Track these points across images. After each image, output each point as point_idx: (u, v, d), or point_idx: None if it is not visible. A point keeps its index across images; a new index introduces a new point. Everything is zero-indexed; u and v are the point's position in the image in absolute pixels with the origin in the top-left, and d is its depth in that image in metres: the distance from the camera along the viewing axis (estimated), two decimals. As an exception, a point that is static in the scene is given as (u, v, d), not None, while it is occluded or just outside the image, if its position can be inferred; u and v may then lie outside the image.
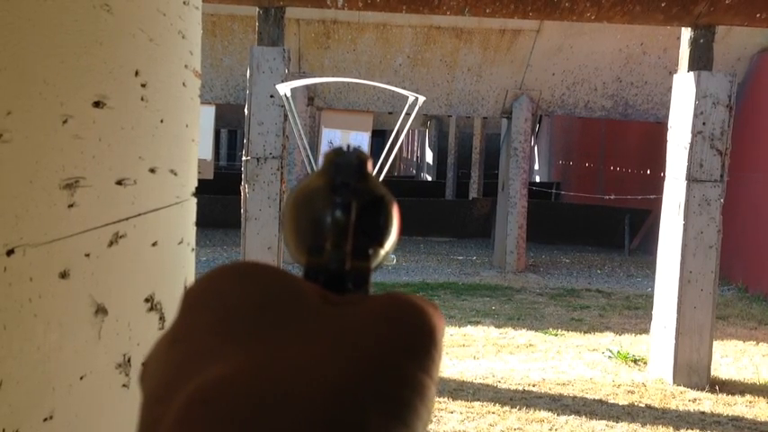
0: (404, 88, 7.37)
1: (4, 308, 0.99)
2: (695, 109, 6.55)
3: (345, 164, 0.37)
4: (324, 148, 8.00)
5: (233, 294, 0.32)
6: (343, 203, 0.36)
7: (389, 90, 7.45)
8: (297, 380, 0.27)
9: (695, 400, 6.35)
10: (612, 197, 15.19)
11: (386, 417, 0.27)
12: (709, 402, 6.29)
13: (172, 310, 1.93)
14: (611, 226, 14.70)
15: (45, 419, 1.11)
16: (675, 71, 7.01)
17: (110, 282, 1.40)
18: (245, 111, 5.99)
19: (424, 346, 0.31)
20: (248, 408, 0.26)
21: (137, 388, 1.24)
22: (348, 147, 0.38)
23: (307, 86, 9.90)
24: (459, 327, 8.47)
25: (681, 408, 6.16)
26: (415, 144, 32.03)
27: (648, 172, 14.26)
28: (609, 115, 12.11)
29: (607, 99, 11.73)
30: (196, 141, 2.17)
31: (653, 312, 7.04)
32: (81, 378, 1.26)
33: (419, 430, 0.28)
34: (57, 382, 1.16)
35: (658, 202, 7.39)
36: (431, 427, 5.54)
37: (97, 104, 1.31)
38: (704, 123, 6.57)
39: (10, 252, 0.99)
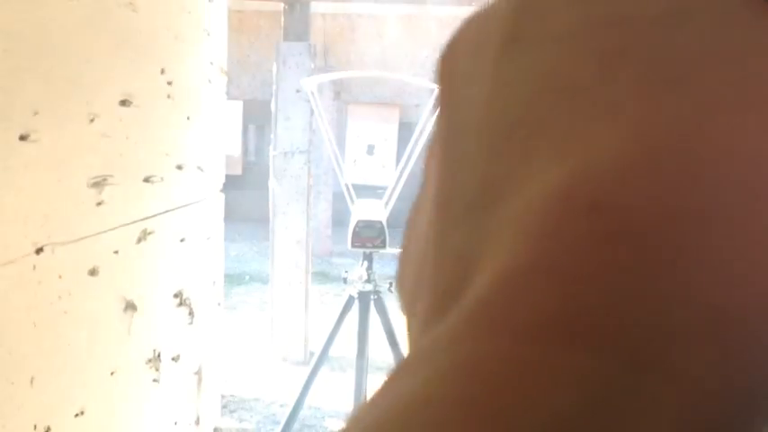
0: (430, 80, 7.35)
1: (35, 305, 1.00)
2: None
3: None
4: (350, 141, 8.01)
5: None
6: None
7: (416, 83, 7.43)
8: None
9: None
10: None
11: None
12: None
13: (200, 306, 1.95)
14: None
15: (76, 415, 1.12)
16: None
17: (138, 278, 1.42)
18: (272, 106, 6.01)
19: None
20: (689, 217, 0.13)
21: (167, 382, 1.25)
22: None
23: (333, 81, 9.91)
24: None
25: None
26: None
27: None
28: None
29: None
30: (223, 138, 2.18)
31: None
32: (111, 374, 1.27)
33: None
34: (87, 379, 1.17)
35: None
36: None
37: (123, 103, 1.33)
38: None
39: (39, 250, 1.00)
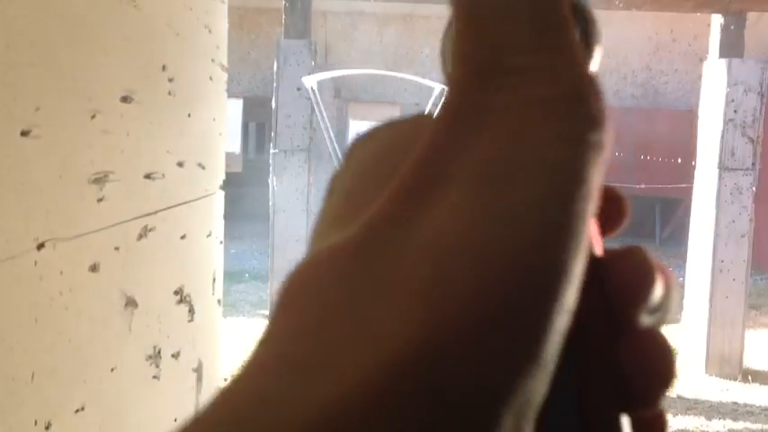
0: (431, 79, 7.36)
1: (35, 301, 1.00)
2: (726, 96, 6.47)
3: None
4: (350, 140, 8.05)
5: (350, 169, 0.26)
6: None
7: (416, 81, 7.44)
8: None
9: (727, 390, 6.28)
10: (643, 186, 15.06)
11: None
12: (741, 392, 6.23)
13: (201, 303, 1.95)
14: (641, 215, 14.58)
15: (77, 411, 1.13)
16: (706, 58, 6.93)
17: (139, 275, 1.42)
18: (273, 104, 6.01)
19: None
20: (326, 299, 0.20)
21: (167, 378, 1.26)
22: None
23: (333, 79, 9.92)
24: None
25: (713, 398, 6.10)
26: (443, 135, 31.99)
27: (679, 160, 14.12)
28: (638, 104, 11.99)
29: (637, 87, 11.62)
30: (223, 135, 2.18)
31: (684, 302, 6.97)
32: (112, 370, 1.28)
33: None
34: (88, 375, 1.17)
35: (689, 190, 7.32)
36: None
37: (125, 99, 1.33)
38: (735, 111, 6.49)
39: (40, 246, 1.00)
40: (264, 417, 0.17)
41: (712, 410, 5.82)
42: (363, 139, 0.27)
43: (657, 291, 0.23)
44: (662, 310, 0.24)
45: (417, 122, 0.25)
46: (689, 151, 9.40)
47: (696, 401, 6.01)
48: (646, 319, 0.23)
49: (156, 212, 1.51)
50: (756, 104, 6.50)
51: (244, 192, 13.54)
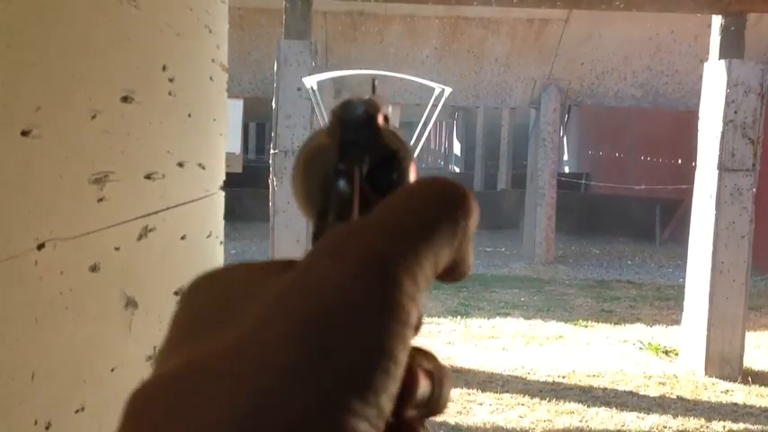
0: (431, 80, 7.35)
1: (36, 301, 1.00)
2: (726, 97, 6.48)
3: (353, 119, 0.33)
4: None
5: (193, 305, 0.33)
6: (346, 171, 0.31)
7: (416, 82, 7.43)
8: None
9: (727, 391, 6.29)
10: (643, 187, 15.05)
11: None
12: (741, 394, 6.23)
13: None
14: (641, 216, 14.57)
15: (76, 411, 1.12)
16: (706, 59, 6.93)
17: (140, 275, 1.42)
18: (273, 104, 6.01)
19: None
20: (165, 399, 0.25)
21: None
22: (357, 99, 0.34)
23: (334, 79, 9.91)
24: (489, 318, 8.45)
25: (713, 399, 6.10)
26: (443, 135, 32.00)
27: (680, 161, 14.11)
28: (639, 104, 11.99)
29: (637, 88, 11.62)
30: (224, 135, 2.18)
31: (684, 303, 6.97)
32: (112, 370, 1.27)
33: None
34: (88, 375, 1.17)
35: (690, 191, 7.32)
36: (461, 418, 5.54)
37: (125, 99, 1.33)
38: (735, 112, 6.49)
39: (40, 246, 1.00)
40: None
41: (712, 412, 5.82)
42: (201, 281, 0.33)
43: (423, 389, 0.29)
44: (431, 401, 0.29)
45: (251, 270, 0.31)
46: (689, 152, 9.40)
47: (696, 403, 6.01)
48: (412, 412, 0.29)
49: (156, 212, 1.51)
50: (756, 105, 6.50)
51: (244, 192, 13.53)
